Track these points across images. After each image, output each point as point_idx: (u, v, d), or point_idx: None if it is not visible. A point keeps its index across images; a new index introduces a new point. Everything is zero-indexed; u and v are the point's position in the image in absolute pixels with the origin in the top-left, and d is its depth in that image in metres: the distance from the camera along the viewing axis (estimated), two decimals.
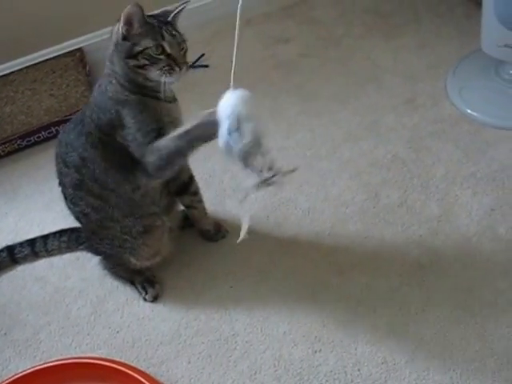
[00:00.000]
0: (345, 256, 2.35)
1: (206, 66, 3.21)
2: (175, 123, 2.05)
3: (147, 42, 1.94)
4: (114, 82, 2.01)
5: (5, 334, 2.30)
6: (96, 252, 2.36)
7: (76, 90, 3.11)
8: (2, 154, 2.93)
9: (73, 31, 3.28)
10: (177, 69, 1.98)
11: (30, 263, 2.49)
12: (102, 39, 3.30)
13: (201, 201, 2.39)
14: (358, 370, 2.06)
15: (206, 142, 1.94)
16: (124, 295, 2.36)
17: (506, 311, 2.13)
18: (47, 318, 2.33)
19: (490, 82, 2.85)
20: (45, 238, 2.47)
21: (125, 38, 1.96)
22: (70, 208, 2.23)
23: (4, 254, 2.48)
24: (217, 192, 2.60)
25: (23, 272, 2.48)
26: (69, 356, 2.19)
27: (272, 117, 2.88)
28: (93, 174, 2.08)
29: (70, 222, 2.43)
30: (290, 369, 2.09)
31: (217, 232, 2.46)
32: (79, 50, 3.29)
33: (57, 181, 2.66)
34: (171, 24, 2.04)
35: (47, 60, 3.27)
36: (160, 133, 1.99)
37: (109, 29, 3.23)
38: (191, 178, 2.32)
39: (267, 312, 2.23)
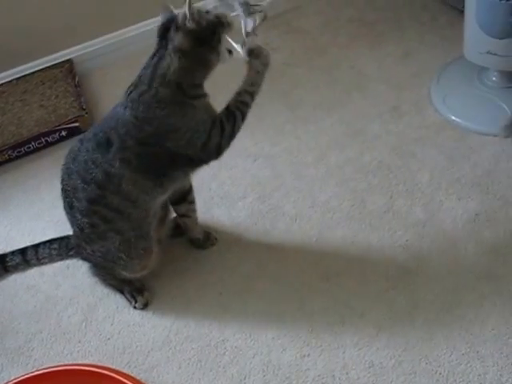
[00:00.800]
0: (332, 262, 2.38)
1: None
2: None
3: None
4: (164, 90, 2.05)
5: None
6: (86, 259, 2.37)
7: (65, 100, 3.13)
8: None
9: (62, 42, 3.31)
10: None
11: (21, 272, 2.51)
12: (91, 50, 3.35)
13: (195, 210, 2.42)
14: (346, 373, 2.08)
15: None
16: (114, 303, 2.37)
17: (491, 314, 2.15)
18: (39, 325, 2.34)
19: (473, 89, 2.89)
20: (35, 246, 2.48)
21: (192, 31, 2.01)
22: (75, 218, 2.22)
23: None
24: (205, 200, 2.63)
25: (15, 281, 2.49)
26: (61, 363, 2.20)
27: (259, 125, 2.92)
28: (117, 188, 2.11)
29: (60, 231, 2.46)
30: (279, 373, 2.11)
31: (206, 240, 2.49)
32: (68, 61, 3.32)
33: (47, 191, 2.70)
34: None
35: (37, 71, 3.30)
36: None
37: (98, 39, 3.28)
38: (191, 187, 2.37)
39: (256, 318, 2.26)
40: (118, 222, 2.16)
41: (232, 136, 2.16)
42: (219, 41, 2.03)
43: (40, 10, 3.14)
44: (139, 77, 2.09)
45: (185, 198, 2.36)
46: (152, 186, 2.14)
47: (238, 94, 2.17)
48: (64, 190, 2.22)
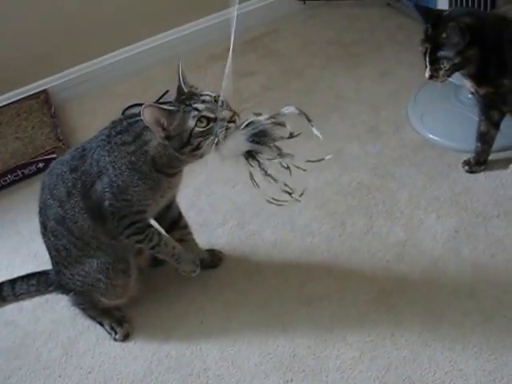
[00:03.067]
0: (312, 286, 2.36)
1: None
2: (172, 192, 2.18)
3: (189, 124, 1.93)
4: (141, 158, 2.03)
5: None
6: (65, 289, 2.34)
7: (41, 131, 3.12)
8: None
9: (36, 73, 3.30)
10: (232, 124, 1.95)
11: None
12: (66, 80, 3.34)
13: (190, 233, 2.40)
14: None
15: None
16: (95, 335, 2.35)
17: (473, 331, 2.14)
18: (18, 361, 2.31)
19: (450, 107, 2.90)
20: (12, 281, 2.44)
21: (167, 136, 1.96)
22: (49, 239, 2.21)
23: None
24: None
25: None
26: None
27: None
28: (74, 216, 2.11)
29: (39, 265, 2.44)
30: None
31: (212, 258, 2.49)
32: (44, 91, 3.31)
33: (24, 224, 2.67)
34: (191, 92, 1.99)
35: (12, 103, 3.29)
36: (141, 215, 2.14)
37: (73, 69, 3.26)
38: (180, 214, 2.35)
39: (238, 345, 2.24)
40: (86, 249, 2.15)
41: (132, 233, 2.15)
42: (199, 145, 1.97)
43: (13, 40, 3.14)
44: (130, 124, 2.07)
45: (176, 224, 2.35)
46: (103, 233, 2.14)
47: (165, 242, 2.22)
48: (39, 208, 2.21)
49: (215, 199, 2.74)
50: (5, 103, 3.30)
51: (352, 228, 2.52)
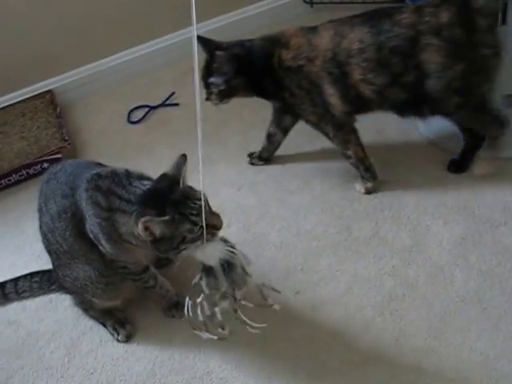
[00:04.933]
0: (317, 290, 2.35)
1: (176, 105, 3.23)
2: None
3: (182, 233, 1.88)
4: (110, 227, 1.98)
5: None
6: (66, 288, 2.34)
7: (47, 132, 3.11)
8: None
9: (42, 73, 3.29)
10: (217, 231, 1.94)
11: (1, 307, 2.48)
12: (72, 80, 3.33)
13: None
14: None
15: None
16: (98, 336, 2.34)
17: (480, 338, 2.13)
18: (20, 361, 2.30)
19: None
20: (15, 279, 2.45)
21: (153, 240, 1.90)
22: (43, 239, 2.21)
23: None
24: None
25: None
26: None
27: (242, 152, 2.92)
28: (63, 235, 2.11)
29: (43, 264, 2.44)
30: None
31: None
32: (49, 91, 3.30)
33: (28, 224, 2.67)
34: (185, 194, 1.92)
35: (17, 102, 3.28)
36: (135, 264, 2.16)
37: (79, 69, 3.26)
38: None
39: (241, 348, 2.22)
40: (74, 260, 2.16)
41: (127, 273, 2.19)
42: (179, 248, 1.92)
43: (19, 40, 3.12)
44: (121, 176, 2.00)
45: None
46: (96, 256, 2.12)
47: None
48: (38, 206, 2.21)
49: (220, 202, 2.72)
50: (10, 103, 3.29)
51: (358, 232, 2.51)
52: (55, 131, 3.11)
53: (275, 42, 2.52)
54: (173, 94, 3.28)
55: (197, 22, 1.62)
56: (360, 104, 2.50)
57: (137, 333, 2.33)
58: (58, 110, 3.20)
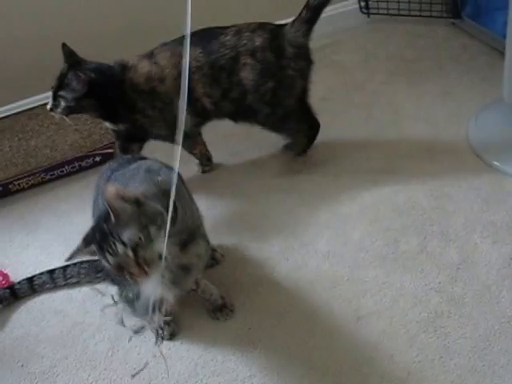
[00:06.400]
0: (362, 301, 2.34)
1: None
2: None
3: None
4: None
5: (22, 365, 2.31)
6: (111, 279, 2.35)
7: (100, 126, 3.14)
8: (26, 186, 2.97)
9: None
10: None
11: (48, 292, 2.52)
12: None
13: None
14: None
15: None
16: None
17: None
18: (65, 351, 2.33)
19: None
20: (64, 267, 2.49)
21: None
22: None
23: (23, 282, 2.51)
24: (235, 232, 2.64)
25: (42, 304, 2.49)
26: None
27: (295, 159, 2.93)
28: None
29: (90, 257, 2.44)
30: None
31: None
32: None
33: (78, 215, 2.70)
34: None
35: None
36: None
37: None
38: None
39: (284, 355, 2.22)
40: None
41: None
42: None
43: (79, 32, 3.16)
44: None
45: None
46: None
47: None
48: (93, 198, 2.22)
49: (269, 208, 2.74)
50: None
51: (405, 246, 2.51)
52: None
53: (124, 68, 2.66)
54: None
55: None
56: (204, 115, 2.74)
57: (181, 332, 2.34)
58: None
